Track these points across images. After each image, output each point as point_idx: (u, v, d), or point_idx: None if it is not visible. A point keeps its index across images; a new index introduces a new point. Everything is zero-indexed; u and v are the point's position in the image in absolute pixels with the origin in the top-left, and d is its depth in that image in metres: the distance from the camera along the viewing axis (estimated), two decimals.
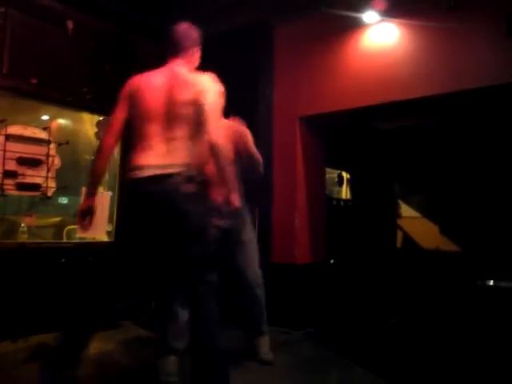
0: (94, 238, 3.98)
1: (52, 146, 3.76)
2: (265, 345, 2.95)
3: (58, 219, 4.36)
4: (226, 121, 2.91)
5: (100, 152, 2.24)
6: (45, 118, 4.06)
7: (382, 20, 3.39)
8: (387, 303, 4.54)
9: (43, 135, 3.73)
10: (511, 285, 3.18)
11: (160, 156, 2.04)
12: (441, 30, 3.11)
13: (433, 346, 3.38)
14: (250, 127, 2.91)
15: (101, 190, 3.84)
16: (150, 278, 3.34)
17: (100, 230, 3.86)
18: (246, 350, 2.98)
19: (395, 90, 3.31)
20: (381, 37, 3.42)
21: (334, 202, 5.46)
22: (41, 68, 3.54)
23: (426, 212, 6.22)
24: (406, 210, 6.49)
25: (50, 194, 3.76)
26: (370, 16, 3.41)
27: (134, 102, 2.14)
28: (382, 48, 3.41)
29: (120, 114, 2.19)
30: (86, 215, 2.25)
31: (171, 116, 2.06)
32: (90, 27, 3.89)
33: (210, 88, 2.04)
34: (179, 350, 2.60)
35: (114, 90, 2.32)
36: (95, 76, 3.85)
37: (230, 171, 2.04)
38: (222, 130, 2.02)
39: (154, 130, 2.07)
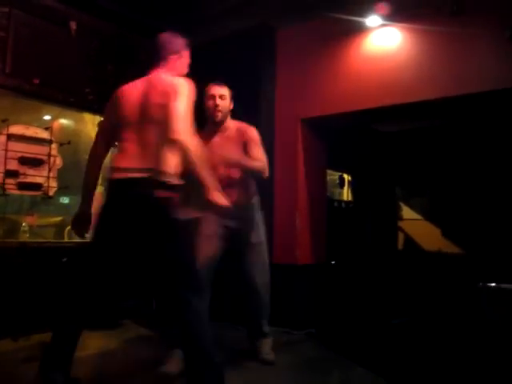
0: None
1: (54, 145, 3.77)
2: (267, 345, 2.95)
3: (59, 219, 4.38)
4: (234, 122, 2.93)
5: (89, 161, 2.32)
6: (47, 117, 4.07)
7: (385, 24, 3.38)
8: (388, 304, 4.54)
9: (45, 135, 3.74)
10: None
11: (134, 159, 2.07)
12: (444, 35, 3.11)
13: (434, 346, 3.38)
14: None
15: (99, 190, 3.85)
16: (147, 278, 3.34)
17: None
18: (247, 349, 2.99)
19: (397, 93, 3.31)
20: (383, 41, 3.42)
21: (336, 204, 5.46)
22: (43, 68, 3.54)
23: (428, 214, 6.23)
24: (407, 213, 6.50)
25: (51, 193, 3.77)
26: (372, 20, 3.41)
27: (114, 109, 2.21)
28: (385, 52, 3.41)
29: (104, 123, 2.31)
30: (81, 223, 2.30)
31: (145, 120, 2.08)
32: (93, 28, 3.89)
33: (178, 89, 2.03)
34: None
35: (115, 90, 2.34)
36: (97, 77, 3.85)
37: (206, 169, 1.98)
38: (191, 130, 1.98)
39: (130, 135, 2.12)
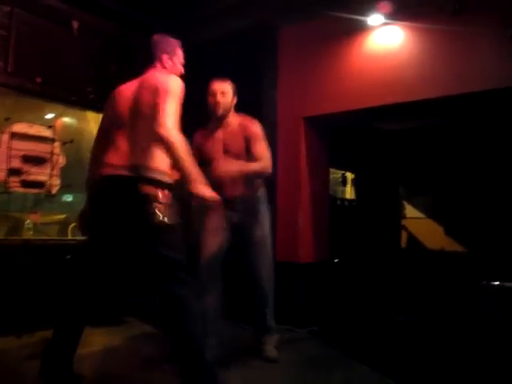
0: None
1: (56, 144, 3.79)
2: (272, 342, 2.95)
3: (62, 216, 4.41)
4: (237, 116, 2.93)
5: (91, 158, 2.36)
6: (49, 116, 4.09)
7: (387, 23, 3.36)
8: (391, 302, 4.54)
9: (48, 133, 3.76)
10: None
11: (123, 156, 2.10)
12: (446, 33, 3.09)
13: (437, 345, 3.38)
14: None
15: None
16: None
17: None
18: (249, 347, 2.99)
19: (400, 91, 3.30)
20: (385, 39, 3.40)
21: (338, 202, 5.46)
22: (45, 67, 3.55)
23: (431, 213, 6.21)
24: (410, 211, 6.49)
25: (54, 191, 3.79)
26: (374, 19, 3.39)
27: (110, 107, 2.26)
28: (387, 50, 3.39)
29: (103, 121, 2.34)
30: (86, 220, 2.31)
31: (136, 117, 2.11)
32: (95, 27, 3.90)
33: (167, 87, 2.05)
34: None
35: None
36: (99, 76, 3.86)
37: (189, 162, 1.96)
38: (177, 126, 1.98)
39: (122, 132, 2.16)
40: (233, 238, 2.87)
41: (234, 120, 2.89)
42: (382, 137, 5.52)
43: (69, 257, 3.60)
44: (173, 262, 2.07)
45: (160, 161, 2.07)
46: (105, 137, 2.30)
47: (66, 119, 4.19)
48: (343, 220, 5.19)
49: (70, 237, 4.12)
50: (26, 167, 3.59)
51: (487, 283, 3.29)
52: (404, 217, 6.43)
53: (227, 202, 2.86)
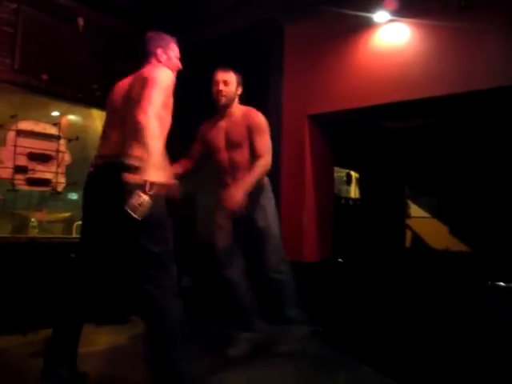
0: None
1: (62, 141, 3.80)
2: (291, 334, 2.92)
3: (67, 214, 4.42)
4: (241, 107, 2.93)
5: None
6: (55, 113, 4.10)
7: (393, 20, 3.35)
8: (395, 302, 4.52)
9: (53, 131, 3.77)
10: None
11: (113, 146, 2.12)
12: (452, 30, 3.08)
13: (440, 346, 3.36)
14: None
15: None
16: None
17: None
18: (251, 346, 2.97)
19: (405, 89, 3.28)
20: (391, 36, 3.39)
21: (343, 201, 5.44)
22: (52, 64, 3.57)
23: (436, 212, 6.19)
24: (415, 211, 6.46)
25: (59, 189, 3.80)
26: (380, 16, 3.38)
27: (107, 104, 2.30)
28: (393, 47, 3.38)
29: (104, 120, 2.34)
30: None
31: (127, 108, 2.11)
32: (101, 24, 3.91)
33: (155, 76, 2.05)
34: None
35: None
36: (105, 73, 3.86)
37: (154, 149, 1.88)
38: (157, 114, 1.95)
39: (114, 123, 2.19)
40: (238, 227, 2.89)
41: (238, 110, 2.90)
42: (387, 135, 5.50)
43: (73, 255, 3.60)
44: (149, 255, 2.04)
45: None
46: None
47: (72, 117, 4.20)
48: (347, 219, 5.17)
49: (74, 235, 4.12)
50: (31, 165, 3.61)
51: (492, 284, 3.28)
52: (409, 216, 6.40)
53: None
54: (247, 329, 2.95)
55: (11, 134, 3.51)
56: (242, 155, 2.83)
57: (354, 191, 5.98)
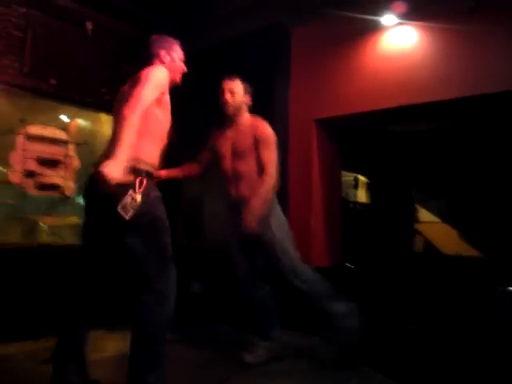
0: None
1: (71, 146, 3.81)
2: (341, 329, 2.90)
3: (77, 219, 4.42)
4: (249, 116, 2.91)
5: None
6: (64, 118, 4.12)
7: (401, 23, 3.34)
8: (406, 308, 4.47)
9: (62, 135, 3.79)
10: None
11: (109, 148, 2.05)
12: (460, 33, 3.06)
13: (453, 353, 3.31)
14: None
15: None
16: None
17: None
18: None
19: (413, 92, 3.27)
20: (399, 39, 3.38)
21: (351, 205, 5.42)
22: (60, 68, 3.59)
23: (445, 217, 6.13)
24: (424, 215, 6.41)
25: (68, 194, 3.81)
26: (388, 19, 3.37)
27: (113, 107, 2.27)
28: (401, 51, 3.37)
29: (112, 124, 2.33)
30: None
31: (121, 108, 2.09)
32: (109, 29, 3.94)
33: (147, 75, 2.03)
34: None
35: None
36: (114, 77, 3.89)
37: (122, 142, 1.83)
38: (143, 108, 1.93)
39: (115, 124, 2.13)
40: (244, 241, 2.85)
41: (246, 119, 2.88)
42: (395, 139, 5.47)
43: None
44: (138, 257, 2.02)
45: (144, 151, 2.04)
46: None
47: (80, 121, 4.22)
48: (355, 223, 5.14)
49: None
50: (40, 169, 3.62)
51: (504, 289, 3.24)
52: (418, 220, 6.35)
53: (235, 206, 2.86)
54: (265, 337, 2.93)
55: (21, 138, 3.53)
56: (247, 165, 2.80)
57: (361, 195, 5.95)
